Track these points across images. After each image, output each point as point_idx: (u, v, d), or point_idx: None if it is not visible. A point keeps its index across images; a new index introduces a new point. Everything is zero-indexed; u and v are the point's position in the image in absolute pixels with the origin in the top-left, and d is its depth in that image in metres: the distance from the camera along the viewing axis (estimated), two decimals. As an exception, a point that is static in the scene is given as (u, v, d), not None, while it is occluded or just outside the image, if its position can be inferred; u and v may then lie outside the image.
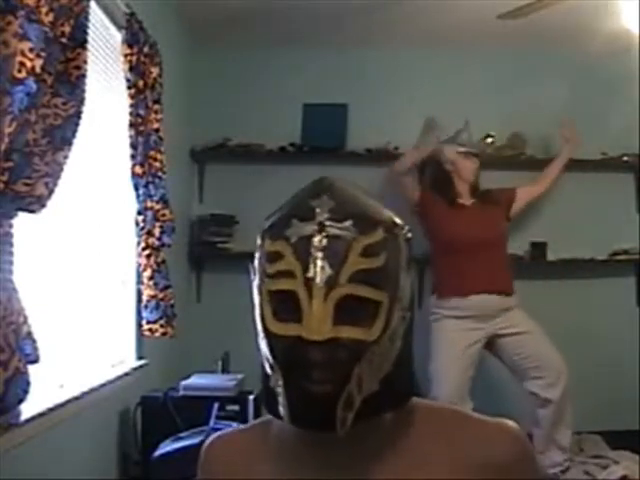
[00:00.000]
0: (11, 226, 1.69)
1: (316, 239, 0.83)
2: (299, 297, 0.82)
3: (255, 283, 0.90)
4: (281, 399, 0.85)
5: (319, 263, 0.82)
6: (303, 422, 0.84)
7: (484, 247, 3.55)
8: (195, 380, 3.09)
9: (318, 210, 0.85)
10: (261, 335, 0.88)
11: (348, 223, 0.84)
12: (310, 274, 0.82)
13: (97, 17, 2.58)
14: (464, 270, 3.56)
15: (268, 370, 0.88)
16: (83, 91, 1.89)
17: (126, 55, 2.72)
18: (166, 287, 2.95)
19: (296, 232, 0.84)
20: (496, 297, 3.55)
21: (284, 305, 0.84)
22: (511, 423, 0.92)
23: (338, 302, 0.81)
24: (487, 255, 3.55)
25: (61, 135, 1.77)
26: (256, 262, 0.91)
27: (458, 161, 3.77)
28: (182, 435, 2.59)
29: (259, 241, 0.91)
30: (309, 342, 0.81)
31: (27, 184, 1.62)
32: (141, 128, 2.78)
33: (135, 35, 2.78)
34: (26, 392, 1.62)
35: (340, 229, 0.84)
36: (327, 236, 0.83)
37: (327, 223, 0.84)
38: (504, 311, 3.55)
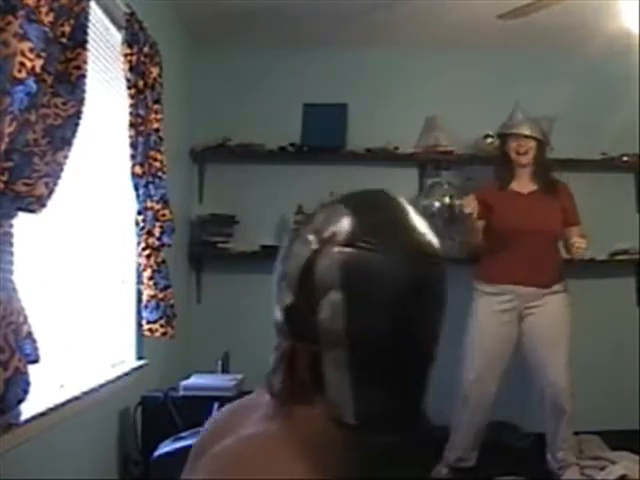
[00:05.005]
0: (11, 226, 1.69)
1: None
2: None
3: None
4: None
5: None
6: None
7: (527, 237, 3.47)
8: (195, 380, 3.09)
9: None
10: None
11: None
12: None
13: (97, 17, 2.58)
14: (506, 259, 3.52)
15: None
16: (83, 91, 1.89)
17: (126, 55, 2.72)
18: (166, 287, 2.95)
19: None
20: (532, 289, 3.52)
21: None
22: None
23: None
24: (529, 246, 3.46)
25: (61, 135, 1.77)
26: None
27: (508, 145, 3.64)
28: (182, 435, 2.59)
29: None
30: None
31: (27, 184, 1.62)
32: (141, 128, 2.78)
33: (135, 35, 2.78)
34: (26, 392, 1.62)
35: None
36: None
37: None
38: (538, 297, 3.54)
